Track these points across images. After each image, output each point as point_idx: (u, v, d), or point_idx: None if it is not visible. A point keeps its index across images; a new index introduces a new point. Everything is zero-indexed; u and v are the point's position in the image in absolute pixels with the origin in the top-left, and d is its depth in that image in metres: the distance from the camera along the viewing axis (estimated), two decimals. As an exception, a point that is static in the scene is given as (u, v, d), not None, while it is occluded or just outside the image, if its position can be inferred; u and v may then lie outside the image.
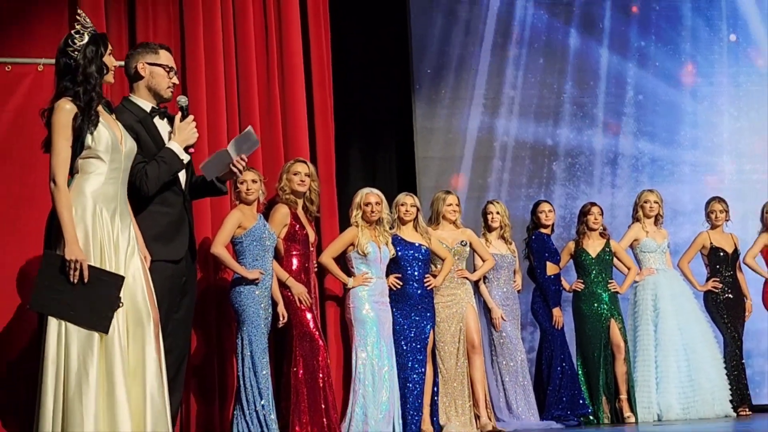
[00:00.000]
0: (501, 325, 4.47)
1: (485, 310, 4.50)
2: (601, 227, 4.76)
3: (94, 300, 2.31)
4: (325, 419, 3.76)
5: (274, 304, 3.78)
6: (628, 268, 4.78)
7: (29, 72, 3.59)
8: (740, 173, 5.47)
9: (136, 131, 2.65)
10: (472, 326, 4.33)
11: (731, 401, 4.66)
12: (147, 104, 2.75)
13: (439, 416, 4.22)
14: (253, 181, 3.77)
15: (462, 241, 4.43)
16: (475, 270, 4.49)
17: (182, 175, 2.76)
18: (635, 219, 4.87)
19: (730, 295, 4.86)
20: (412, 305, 4.20)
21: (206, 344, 3.91)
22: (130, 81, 2.78)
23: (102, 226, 2.39)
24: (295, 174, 3.93)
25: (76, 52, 2.41)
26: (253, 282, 3.67)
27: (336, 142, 4.41)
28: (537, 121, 5.29)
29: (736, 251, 4.93)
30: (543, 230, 4.70)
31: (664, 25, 5.46)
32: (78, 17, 2.49)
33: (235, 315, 3.74)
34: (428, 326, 4.21)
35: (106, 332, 2.31)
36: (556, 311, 4.61)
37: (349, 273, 4.15)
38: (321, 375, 3.78)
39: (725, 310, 4.84)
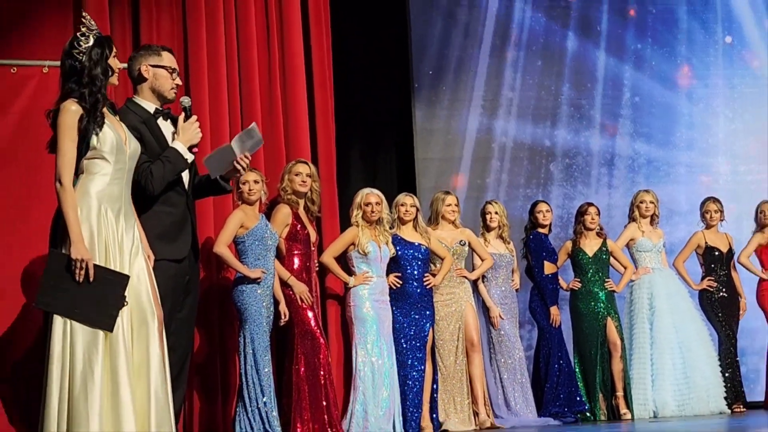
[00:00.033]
0: (499, 323, 4.47)
1: (484, 309, 4.50)
2: (598, 227, 4.76)
3: (100, 299, 2.30)
4: (326, 416, 3.75)
5: (276, 303, 3.78)
6: (625, 267, 4.78)
7: (34, 74, 3.59)
8: (735, 174, 5.47)
9: (140, 132, 2.64)
10: (471, 324, 4.33)
11: (726, 398, 4.66)
12: (151, 105, 2.75)
13: (438, 413, 4.22)
14: (255, 182, 3.76)
15: (461, 241, 4.43)
16: (473, 269, 4.49)
17: (185, 176, 2.75)
18: (631, 219, 4.87)
19: (724, 294, 4.86)
20: (411, 304, 4.20)
21: (209, 342, 3.90)
22: (134, 83, 2.77)
23: (107, 226, 2.38)
24: (296, 174, 3.92)
25: (82, 55, 2.41)
26: (255, 281, 3.67)
27: (337, 143, 4.41)
28: (535, 122, 5.28)
29: (730, 251, 4.93)
30: (541, 230, 4.70)
31: (660, 28, 5.46)
32: (83, 20, 2.48)
33: (237, 313, 3.74)
34: (428, 324, 4.21)
35: (111, 330, 2.31)
36: (553, 310, 4.61)
37: (350, 272, 4.15)
38: (322, 372, 3.78)
39: (720, 308, 4.84)
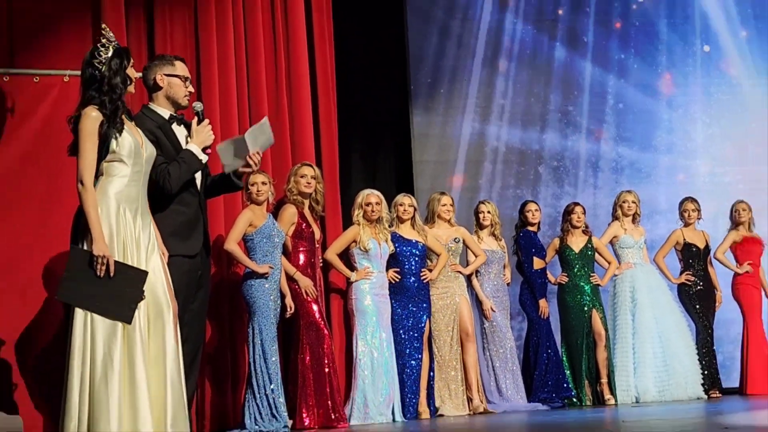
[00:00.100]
0: (491, 315, 4.48)
1: (477, 302, 4.50)
2: (584, 225, 4.77)
3: (119, 293, 2.31)
4: (330, 402, 3.76)
5: (283, 296, 3.78)
6: (609, 263, 4.79)
7: (56, 83, 3.58)
8: (712, 176, 5.47)
9: (156, 136, 2.66)
10: (466, 316, 4.34)
11: (703, 385, 4.67)
12: (165, 112, 2.75)
13: (434, 399, 4.22)
14: (263, 183, 3.77)
15: (456, 238, 4.43)
16: (468, 265, 4.50)
17: (198, 177, 2.76)
18: (615, 217, 4.88)
19: (701, 288, 4.86)
20: (409, 297, 4.21)
21: (220, 333, 3.91)
22: (149, 91, 2.78)
23: (125, 225, 2.39)
24: (301, 176, 3.93)
25: (102, 64, 2.41)
26: (263, 276, 3.67)
27: (339, 147, 4.41)
28: (525, 127, 5.29)
29: (707, 247, 4.93)
30: (530, 228, 4.71)
31: (642, 40, 5.47)
32: (103, 32, 2.49)
33: (246, 306, 3.74)
34: (424, 316, 4.22)
35: (130, 323, 2.32)
36: (542, 302, 4.62)
37: (352, 267, 4.15)
38: (326, 361, 3.79)
39: (697, 300, 4.85)
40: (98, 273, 2.29)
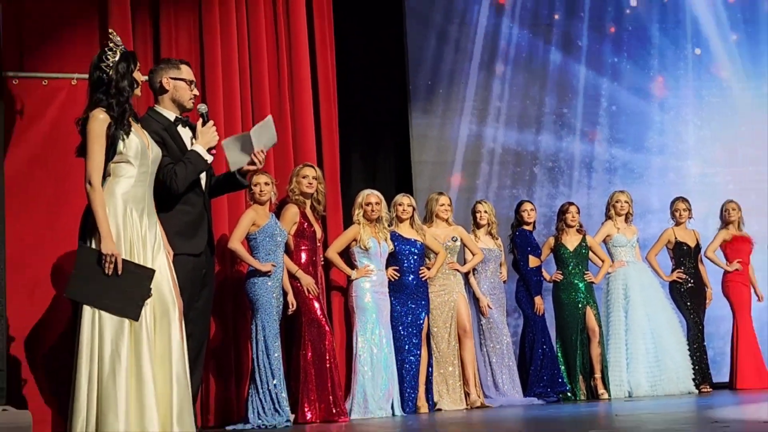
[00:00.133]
0: (488, 312, 4.48)
1: (474, 299, 4.51)
2: (578, 224, 4.77)
3: (127, 290, 2.31)
4: (331, 397, 3.76)
5: (285, 294, 3.78)
6: (602, 261, 4.79)
7: (64, 86, 3.57)
8: (703, 176, 5.48)
9: (162, 138, 2.66)
10: (464, 313, 4.34)
11: (694, 379, 4.68)
12: (171, 114, 2.75)
13: (433, 394, 4.22)
14: (266, 184, 3.77)
15: (453, 237, 4.44)
16: (465, 263, 4.50)
17: (203, 178, 2.76)
18: (608, 217, 4.88)
19: (692, 285, 4.87)
20: (408, 294, 4.21)
21: (224, 330, 3.90)
22: (155, 93, 2.78)
23: (132, 225, 2.39)
24: (303, 177, 3.93)
25: (109, 68, 2.41)
26: (266, 274, 3.67)
27: (340, 148, 4.41)
28: (521, 129, 5.29)
29: (698, 245, 4.94)
30: (526, 227, 4.71)
31: (635, 44, 5.47)
32: (110, 36, 2.48)
33: (249, 303, 3.74)
34: (423, 313, 4.22)
35: (137, 319, 2.32)
36: (537, 299, 4.62)
37: (352, 266, 4.15)
38: (327, 357, 3.79)
39: (688, 298, 4.86)
40: (107, 271, 2.29)
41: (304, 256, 3.89)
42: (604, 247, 4.85)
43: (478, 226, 4.62)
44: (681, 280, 4.87)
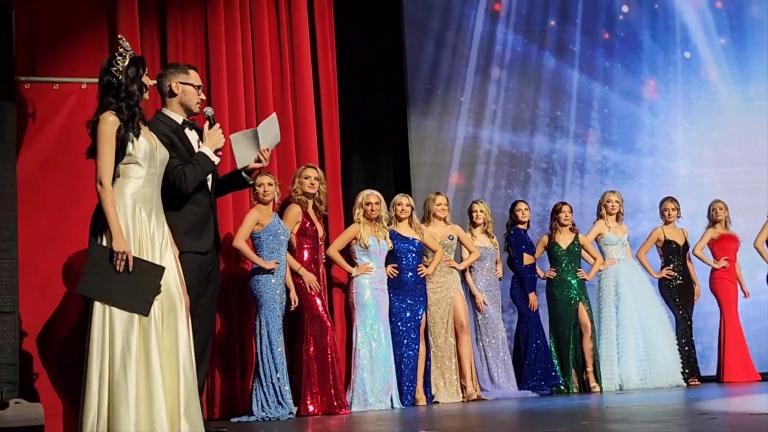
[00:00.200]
0: (484, 308, 4.49)
1: (470, 296, 4.51)
2: (571, 223, 4.78)
3: (137, 286, 2.31)
4: (332, 390, 3.77)
5: (288, 291, 3.78)
6: (594, 259, 4.80)
7: (74, 90, 3.58)
8: (691, 177, 5.49)
9: (171, 140, 2.67)
10: (460, 309, 4.35)
11: (683, 373, 4.69)
12: (178, 117, 2.76)
13: (430, 387, 4.23)
14: (269, 184, 3.78)
15: (450, 236, 4.44)
16: (462, 261, 4.51)
17: (209, 179, 2.76)
18: (599, 216, 4.89)
19: (681, 282, 4.88)
20: (407, 291, 4.22)
21: (229, 326, 3.91)
22: (164, 97, 2.78)
23: (140, 224, 2.39)
24: (306, 178, 3.94)
25: (119, 72, 2.41)
26: (269, 271, 3.68)
27: (341, 150, 4.42)
28: (515, 131, 5.29)
29: (686, 244, 4.95)
30: (520, 226, 4.72)
31: (626, 49, 5.48)
32: (119, 41, 2.49)
33: (253, 300, 3.75)
34: (421, 309, 4.23)
35: (147, 315, 2.32)
36: (531, 296, 4.63)
37: (353, 263, 4.16)
38: (329, 352, 3.80)
39: (677, 294, 4.87)
40: (118, 268, 2.29)
41: (306, 254, 3.89)
42: (595, 246, 4.86)
43: (474, 225, 4.62)
44: (670, 277, 4.88)
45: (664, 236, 4.93)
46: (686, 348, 4.78)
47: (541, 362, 4.55)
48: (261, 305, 3.69)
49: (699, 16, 5.57)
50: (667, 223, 4.96)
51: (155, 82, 2.78)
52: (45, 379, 3.40)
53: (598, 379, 4.59)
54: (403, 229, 4.31)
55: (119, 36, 2.54)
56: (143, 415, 2.27)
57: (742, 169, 5.45)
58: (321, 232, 4.00)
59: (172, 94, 2.74)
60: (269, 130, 2.82)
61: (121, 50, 2.44)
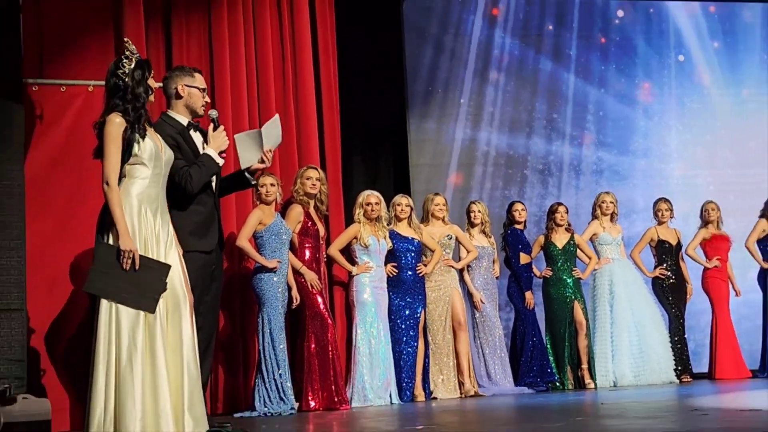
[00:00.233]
0: (481, 306, 4.50)
1: (468, 294, 4.52)
2: (567, 223, 4.79)
3: (143, 284, 2.32)
4: (333, 386, 3.78)
5: (289, 289, 3.79)
6: (589, 258, 4.81)
7: (81, 92, 3.58)
8: (684, 178, 5.50)
9: (176, 141, 2.68)
10: (459, 307, 4.36)
11: (675, 370, 4.70)
12: (184, 119, 2.77)
13: (429, 383, 4.24)
14: (272, 185, 3.79)
15: (449, 235, 4.45)
16: (460, 260, 4.52)
17: (213, 180, 2.77)
18: (594, 216, 4.90)
19: (674, 281, 4.89)
20: (406, 289, 4.23)
21: (232, 323, 3.92)
22: (169, 99, 2.79)
23: (146, 223, 2.40)
24: (307, 179, 3.95)
25: (125, 75, 2.42)
26: (271, 270, 3.69)
27: (342, 151, 4.43)
28: (513, 133, 5.30)
29: (679, 243, 4.96)
30: (517, 226, 4.73)
31: (621, 53, 5.49)
32: (126, 44, 2.49)
33: (256, 298, 3.76)
34: (420, 307, 4.24)
35: (153, 312, 2.33)
36: (528, 294, 4.64)
37: (353, 262, 4.17)
38: (330, 349, 3.81)
39: (670, 293, 4.88)
40: (124, 266, 2.30)
41: (307, 253, 3.90)
42: (591, 245, 4.88)
43: (472, 225, 4.63)
44: (663, 277, 4.89)
45: (658, 236, 4.94)
46: (679, 345, 4.79)
47: (537, 359, 4.56)
48: (263, 303, 3.70)
49: (692, 20, 5.59)
50: (660, 223, 4.97)
51: (161, 84, 2.79)
52: (52, 375, 3.41)
53: (592, 376, 4.61)
54: (403, 229, 4.31)
55: (125, 39, 2.55)
56: (149, 410, 2.28)
57: (734, 171, 5.47)
58: (322, 231, 4.00)
59: (178, 97, 2.75)
60: (272, 131, 2.84)
61: (127, 53, 2.45)
